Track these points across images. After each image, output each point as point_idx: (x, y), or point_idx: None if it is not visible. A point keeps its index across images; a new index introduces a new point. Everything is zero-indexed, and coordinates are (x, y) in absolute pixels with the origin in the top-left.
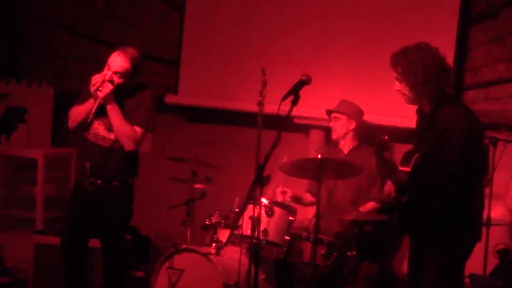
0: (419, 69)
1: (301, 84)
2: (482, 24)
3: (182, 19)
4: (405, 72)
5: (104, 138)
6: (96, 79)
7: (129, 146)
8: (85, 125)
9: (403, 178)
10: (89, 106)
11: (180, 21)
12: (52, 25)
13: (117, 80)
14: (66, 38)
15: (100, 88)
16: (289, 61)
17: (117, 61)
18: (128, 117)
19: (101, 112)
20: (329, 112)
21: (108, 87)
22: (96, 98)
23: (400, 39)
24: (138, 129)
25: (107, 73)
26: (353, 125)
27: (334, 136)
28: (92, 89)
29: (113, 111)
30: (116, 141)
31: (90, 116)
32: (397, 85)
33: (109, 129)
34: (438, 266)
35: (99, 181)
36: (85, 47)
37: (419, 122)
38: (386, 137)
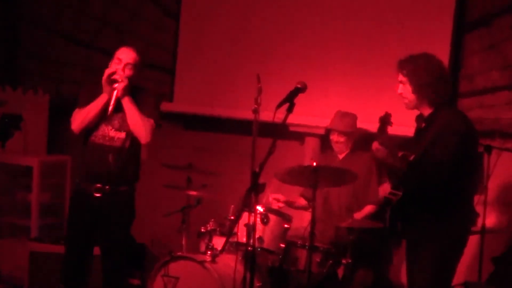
0: (423, 71)
1: (297, 91)
2: (476, 32)
3: (177, 26)
4: (410, 73)
5: (112, 138)
6: (110, 71)
7: (146, 138)
8: (93, 125)
9: (401, 166)
10: (101, 101)
11: (175, 28)
12: (49, 32)
13: (129, 72)
14: (62, 45)
15: (117, 82)
16: (285, 68)
17: (129, 53)
18: None
19: (105, 116)
20: (330, 129)
21: (125, 81)
22: (110, 91)
23: (395, 47)
24: (151, 121)
25: (118, 67)
26: (353, 139)
27: (337, 149)
28: (107, 80)
29: (130, 103)
30: (126, 139)
31: (110, 108)
32: (400, 88)
33: (118, 128)
34: (428, 260)
35: (107, 187)
36: (81, 54)
37: (418, 128)
38: (390, 113)
